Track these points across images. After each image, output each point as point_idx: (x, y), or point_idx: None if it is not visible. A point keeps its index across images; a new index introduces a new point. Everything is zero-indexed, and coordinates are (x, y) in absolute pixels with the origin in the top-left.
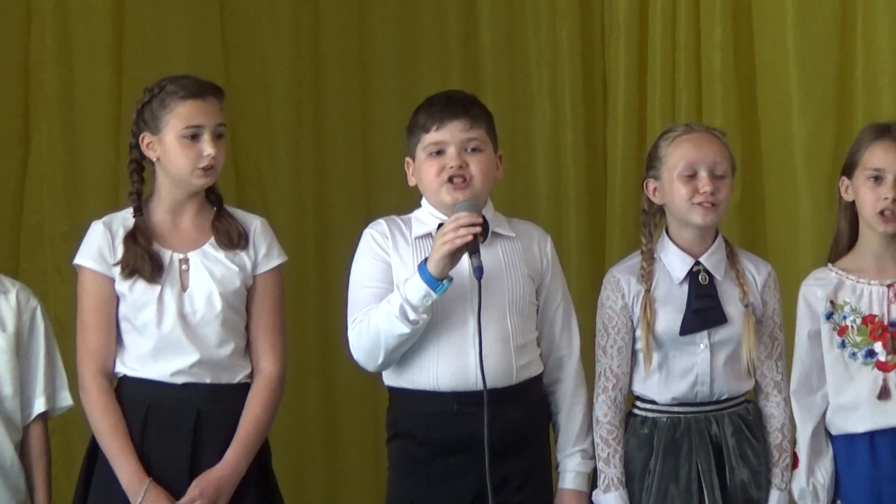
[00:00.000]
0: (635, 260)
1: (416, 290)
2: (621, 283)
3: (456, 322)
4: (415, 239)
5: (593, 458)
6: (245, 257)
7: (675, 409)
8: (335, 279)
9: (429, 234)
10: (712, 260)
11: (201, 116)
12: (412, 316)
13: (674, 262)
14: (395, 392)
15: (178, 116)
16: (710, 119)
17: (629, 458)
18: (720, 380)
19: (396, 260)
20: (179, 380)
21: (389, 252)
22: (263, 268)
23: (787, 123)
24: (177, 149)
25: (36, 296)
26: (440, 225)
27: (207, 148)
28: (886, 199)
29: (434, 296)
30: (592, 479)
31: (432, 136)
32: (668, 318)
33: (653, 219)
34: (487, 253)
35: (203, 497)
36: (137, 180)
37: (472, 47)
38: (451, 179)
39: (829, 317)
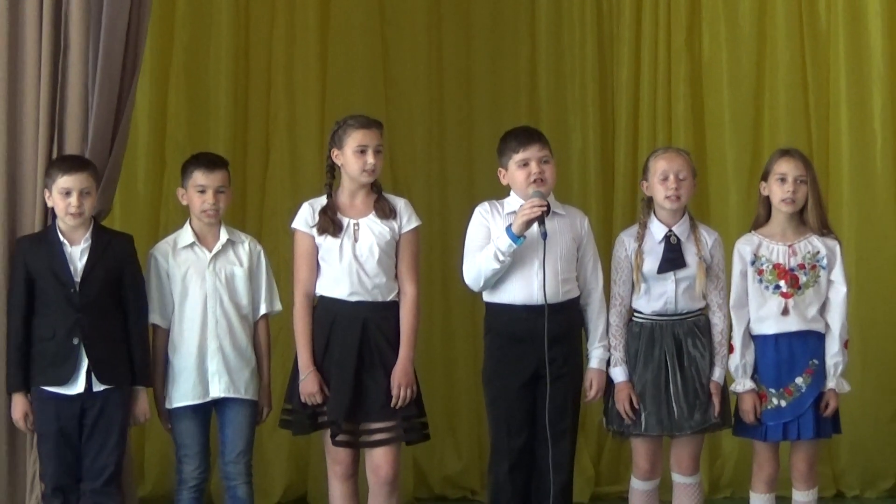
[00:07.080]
0: (634, 228)
1: (504, 242)
2: (625, 242)
3: (526, 263)
4: (505, 214)
5: (608, 351)
6: (394, 223)
7: (654, 317)
8: (451, 236)
9: (513, 212)
10: (679, 229)
11: (367, 139)
12: (501, 258)
13: (656, 230)
14: (489, 305)
15: (354, 138)
16: (676, 145)
17: (627, 346)
18: (681, 301)
19: (493, 225)
20: (353, 298)
21: (489, 221)
22: (406, 229)
23: (722, 149)
24: (352, 159)
25: (259, 243)
26: (521, 206)
27: (370, 159)
28: (788, 191)
29: (515, 246)
30: (606, 363)
31: (520, 155)
32: (651, 263)
33: (646, 205)
34: (548, 223)
35: (401, 382)
36: (330, 176)
37: (534, 98)
38: (534, 181)
39: (752, 263)
